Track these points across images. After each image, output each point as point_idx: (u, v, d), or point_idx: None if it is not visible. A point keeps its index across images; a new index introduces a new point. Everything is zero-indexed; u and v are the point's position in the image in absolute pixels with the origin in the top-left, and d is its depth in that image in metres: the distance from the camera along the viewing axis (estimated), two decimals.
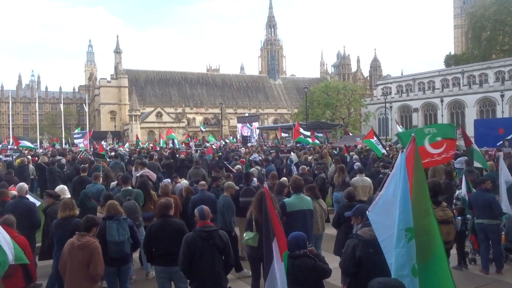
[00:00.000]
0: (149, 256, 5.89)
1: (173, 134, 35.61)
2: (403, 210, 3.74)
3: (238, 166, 12.82)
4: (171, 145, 32.41)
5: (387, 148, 21.01)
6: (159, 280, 5.75)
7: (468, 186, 8.49)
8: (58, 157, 17.68)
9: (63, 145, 43.54)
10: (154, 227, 5.74)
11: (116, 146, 40.35)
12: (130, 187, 8.26)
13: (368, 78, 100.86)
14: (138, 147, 32.67)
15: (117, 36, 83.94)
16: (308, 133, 26.99)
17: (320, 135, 29.01)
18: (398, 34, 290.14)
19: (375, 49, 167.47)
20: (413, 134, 4.66)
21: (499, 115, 48.21)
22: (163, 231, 5.63)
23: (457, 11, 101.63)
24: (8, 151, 22.97)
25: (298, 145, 25.60)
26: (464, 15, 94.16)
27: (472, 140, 16.49)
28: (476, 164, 10.50)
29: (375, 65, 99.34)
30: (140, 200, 8.02)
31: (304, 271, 4.27)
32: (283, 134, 36.65)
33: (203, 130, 55.30)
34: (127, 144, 40.12)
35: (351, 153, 17.56)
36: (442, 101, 55.56)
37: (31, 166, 16.20)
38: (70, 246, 5.16)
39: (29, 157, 19.16)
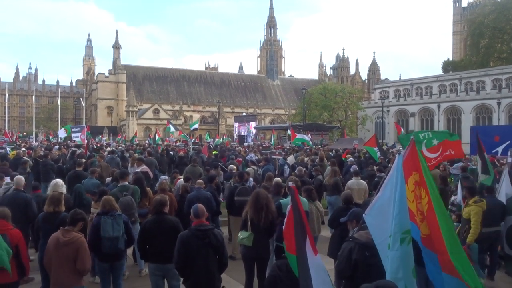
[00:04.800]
0: (143, 253, 5.84)
1: (169, 126, 34.66)
2: (398, 212, 3.74)
3: (232, 166, 12.72)
4: (166, 142, 32.22)
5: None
6: (153, 277, 5.71)
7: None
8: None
9: (59, 139, 43.27)
10: (148, 224, 5.70)
11: (112, 141, 40.07)
12: (127, 183, 8.21)
13: (366, 81, 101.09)
14: (133, 143, 32.37)
15: (116, 31, 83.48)
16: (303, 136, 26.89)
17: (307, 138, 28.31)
18: (397, 39, 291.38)
19: (374, 53, 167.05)
20: (412, 137, 4.66)
21: (495, 122, 48.43)
22: (158, 228, 5.59)
23: (457, 17, 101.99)
24: (3, 143, 22.79)
25: (294, 146, 25.62)
26: (463, 21, 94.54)
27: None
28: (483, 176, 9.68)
29: (374, 69, 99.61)
30: (137, 196, 7.96)
31: None
32: (275, 135, 36.72)
33: (191, 129, 51.07)
34: (124, 140, 39.68)
35: (347, 156, 17.44)
36: (439, 106, 55.75)
37: (25, 158, 16.07)
38: (55, 241, 5.02)
39: (24, 149, 19.04)
